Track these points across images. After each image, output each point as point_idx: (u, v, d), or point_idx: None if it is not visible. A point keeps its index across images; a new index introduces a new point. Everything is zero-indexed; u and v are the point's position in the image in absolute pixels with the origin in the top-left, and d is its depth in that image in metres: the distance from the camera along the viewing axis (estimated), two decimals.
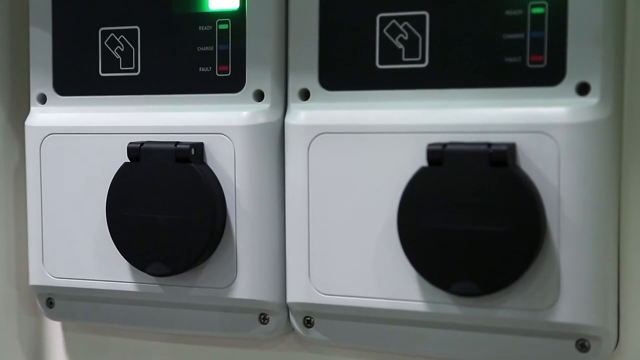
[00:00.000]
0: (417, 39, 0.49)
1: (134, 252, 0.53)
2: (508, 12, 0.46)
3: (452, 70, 0.48)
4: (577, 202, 0.45)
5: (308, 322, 0.52)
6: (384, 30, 0.49)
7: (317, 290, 0.51)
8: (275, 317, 0.53)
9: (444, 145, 0.46)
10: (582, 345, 0.46)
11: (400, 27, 0.49)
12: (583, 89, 0.45)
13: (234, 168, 0.52)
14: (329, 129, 0.50)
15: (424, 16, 0.48)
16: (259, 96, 0.52)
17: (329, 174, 0.50)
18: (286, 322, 0.53)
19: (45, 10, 0.57)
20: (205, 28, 0.53)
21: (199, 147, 0.52)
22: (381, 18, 0.49)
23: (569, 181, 0.45)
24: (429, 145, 0.47)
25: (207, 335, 0.56)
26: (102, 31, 0.56)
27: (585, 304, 0.45)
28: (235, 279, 0.52)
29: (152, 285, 0.54)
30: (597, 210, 0.45)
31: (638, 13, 0.46)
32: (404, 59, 0.49)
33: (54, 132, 0.56)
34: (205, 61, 0.53)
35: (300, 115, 0.51)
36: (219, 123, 0.52)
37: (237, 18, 0.52)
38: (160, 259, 0.52)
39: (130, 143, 0.53)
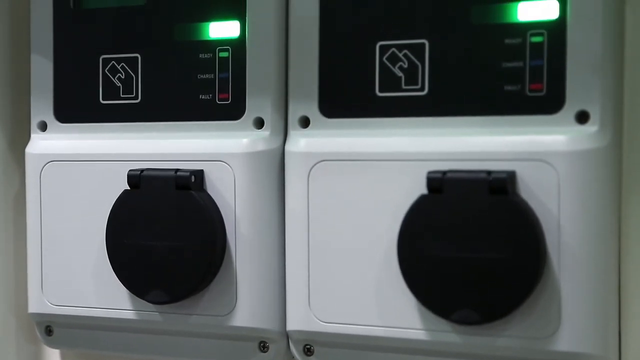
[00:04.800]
0: (417, 67, 0.49)
1: (133, 280, 0.53)
2: (507, 41, 0.47)
3: (451, 98, 0.48)
4: (577, 229, 0.45)
5: (308, 350, 0.52)
6: (384, 58, 0.49)
7: (317, 318, 0.51)
8: (275, 345, 0.53)
9: (444, 173, 0.46)
10: None
11: (400, 55, 0.49)
12: (582, 117, 0.45)
13: (234, 195, 0.52)
14: (329, 157, 0.50)
15: (423, 44, 0.49)
16: (259, 124, 0.52)
17: (329, 201, 0.50)
18: (286, 350, 0.53)
19: (46, 38, 0.57)
20: (205, 56, 0.53)
21: (199, 175, 0.52)
22: (381, 46, 0.49)
23: (569, 209, 0.45)
24: (429, 172, 0.47)
25: None
26: (103, 59, 0.56)
27: (586, 333, 0.45)
28: (234, 307, 0.52)
29: (152, 313, 0.54)
30: (597, 238, 0.45)
31: (637, 41, 0.46)
32: (403, 86, 0.49)
33: (54, 160, 0.56)
34: (206, 89, 0.53)
35: (300, 142, 0.51)
36: (219, 150, 0.52)
37: (238, 46, 0.52)
38: (160, 287, 0.52)
39: (130, 170, 0.53)
